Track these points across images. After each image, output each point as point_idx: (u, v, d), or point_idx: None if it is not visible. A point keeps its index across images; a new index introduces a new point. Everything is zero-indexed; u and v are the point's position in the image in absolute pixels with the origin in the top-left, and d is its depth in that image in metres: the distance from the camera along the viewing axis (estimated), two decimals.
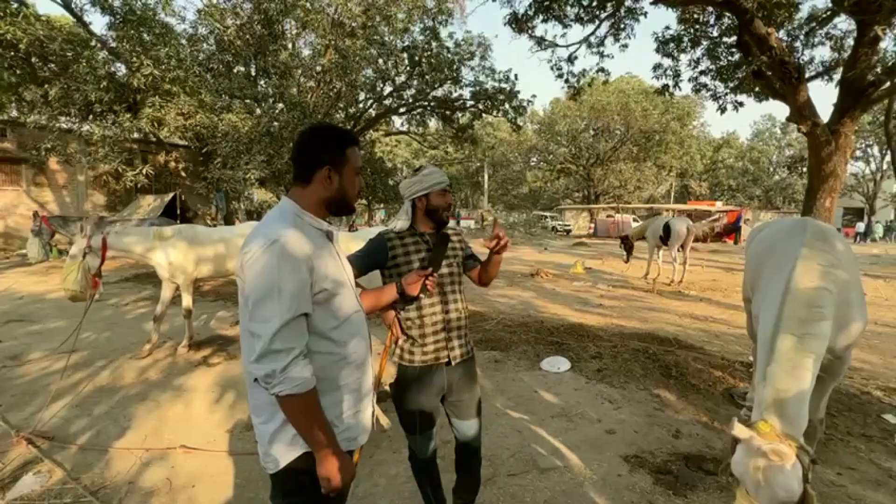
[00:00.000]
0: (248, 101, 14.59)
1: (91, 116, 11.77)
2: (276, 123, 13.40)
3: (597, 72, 11.26)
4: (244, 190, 13.98)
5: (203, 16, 14.25)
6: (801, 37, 9.43)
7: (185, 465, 2.60)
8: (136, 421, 3.13)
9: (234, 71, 15.68)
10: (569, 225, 32.32)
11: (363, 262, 1.78)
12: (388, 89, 18.25)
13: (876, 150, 33.08)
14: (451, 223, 2.01)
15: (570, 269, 10.87)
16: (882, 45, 7.70)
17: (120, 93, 11.58)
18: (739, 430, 1.44)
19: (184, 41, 14.20)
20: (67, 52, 11.06)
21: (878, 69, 7.57)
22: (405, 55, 16.86)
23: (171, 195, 13.30)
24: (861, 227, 29.87)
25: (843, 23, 8.89)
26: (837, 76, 8.36)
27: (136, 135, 12.08)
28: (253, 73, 16.08)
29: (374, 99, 18.67)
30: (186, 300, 4.65)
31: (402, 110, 19.65)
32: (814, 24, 8.80)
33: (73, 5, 11.43)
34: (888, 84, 7.45)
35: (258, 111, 13.86)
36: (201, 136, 12.80)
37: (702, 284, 9.07)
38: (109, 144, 11.34)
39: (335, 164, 1.28)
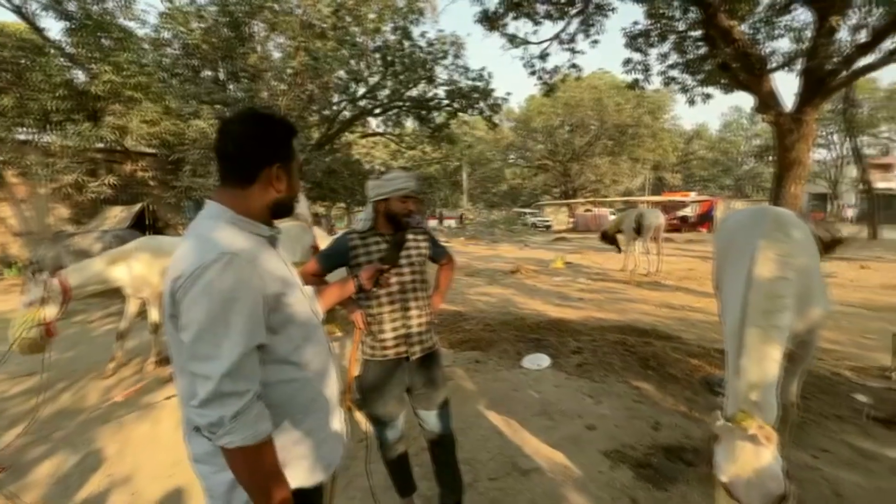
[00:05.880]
0: (217, 106, 14.22)
1: (49, 126, 11.26)
2: None
3: (569, 68, 11.35)
4: None
5: (165, 20, 13.80)
6: (763, 29, 9.68)
7: (146, 491, 2.46)
8: (98, 444, 2.96)
9: (202, 75, 15.26)
10: (548, 220, 32.58)
11: (327, 262, 1.90)
12: (361, 90, 18.05)
13: (837, 137, 34.41)
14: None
15: (550, 265, 10.93)
16: (838, 35, 7.96)
17: (79, 101, 11.10)
18: (721, 427, 1.43)
19: (146, 46, 13.73)
20: (21, 60, 10.54)
21: (836, 59, 7.82)
22: (377, 55, 16.70)
23: (139, 206, 12.85)
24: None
25: (803, 15, 9.17)
26: (798, 67, 8.61)
27: (99, 144, 11.59)
28: (221, 78, 15.68)
29: (348, 100, 18.43)
30: (154, 314, 4.45)
31: (377, 111, 19.47)
32: (772, 12, 9.05)
33: (24, 10, 10.90)
34: (845, 73, 7.71)
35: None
36: (169, 143, 12.40)
37: (678, 274, 9.23)
38: (69, 155, 10.87)
39: (284, 160, 1.09)
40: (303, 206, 5.65)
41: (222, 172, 1.10)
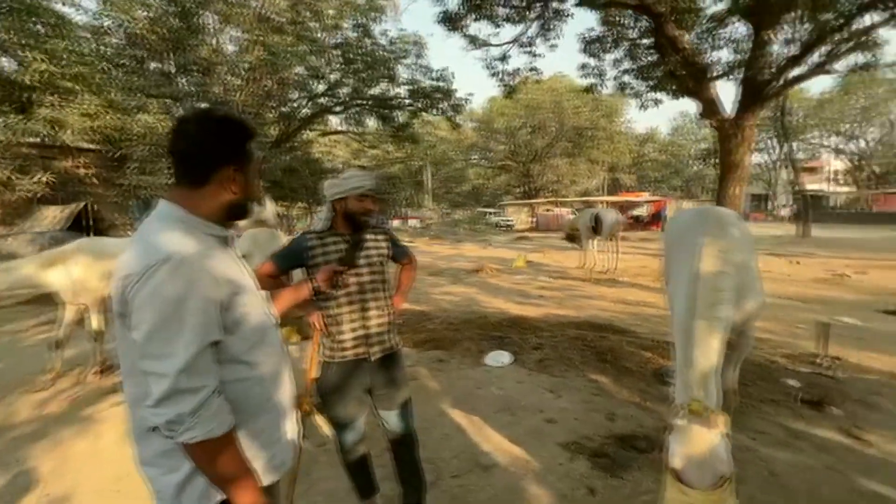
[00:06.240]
0: (166, 100, 13.47)
1: None
2: None
3: (529, 70, 11.63)
4: None
5: (107, 6, 12.90)
6: (707, 39, 10.31)
7: None
8: (31, 462, 2.73)
9: (148, 67, 14.40)
10: (511, 220, 33.17)
11: (284, 262, 1.86)
12: (321, 87, 17.64)
13: (774, 142, 37.11)
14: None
15: (512, 264, 11.13)
16: (772, 48, 8.61)
17: (6, 91, 10.20)
18: (682, 417, 1.47)
19: (86, 34, 12.80)
20: None
21: (771, 69, 8.45)
22: (338, 52, 16.38)
23: (79, 205, 11.97)
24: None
25: (741, 28, 9.84)
26: (738, 76, 9.23)
27: (31, 138, 10.68)
28: (171, 70, 14.86)
29: (308, 97, 17.97)
30: (96, 321, 4.16)
31: (337, 109, 19.09)
32: (714, 23, 9.67)
33: None
34: (779, 83, 8.35)
35: (179, 111, 12.86)
36: (112, 139, 11.62)
37: (633, 271, 9.65)
38: None
39: (240, 162, 1.07)
40: (269, 210, 5.46)
41: (176, 171, 1.08)
